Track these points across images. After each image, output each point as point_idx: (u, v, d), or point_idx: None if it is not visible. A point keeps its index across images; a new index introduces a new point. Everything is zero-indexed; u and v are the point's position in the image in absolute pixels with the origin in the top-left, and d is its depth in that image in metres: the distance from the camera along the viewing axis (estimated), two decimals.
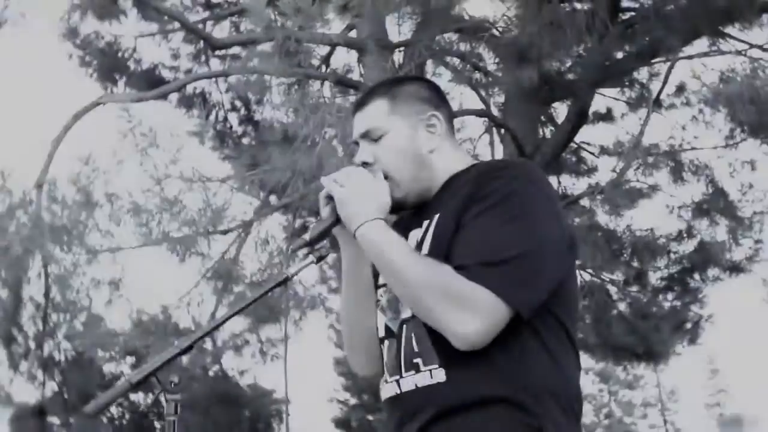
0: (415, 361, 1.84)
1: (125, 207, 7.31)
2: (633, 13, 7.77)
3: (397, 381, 1.88)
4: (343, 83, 9.10)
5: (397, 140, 1.99)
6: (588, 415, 36.76)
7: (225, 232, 7.29)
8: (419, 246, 1.89)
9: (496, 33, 8.38)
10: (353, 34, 10.00)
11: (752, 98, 6.07)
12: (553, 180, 10.95)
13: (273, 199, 8.03)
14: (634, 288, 11.20)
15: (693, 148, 8.02)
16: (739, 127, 7.74)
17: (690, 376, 45.86)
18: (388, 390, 1.92)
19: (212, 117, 11.29)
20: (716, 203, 8.08)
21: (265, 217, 6.76)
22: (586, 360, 11.87)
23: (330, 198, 1.93)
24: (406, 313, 1.88)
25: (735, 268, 8.50)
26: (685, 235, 8.76)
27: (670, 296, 10.39)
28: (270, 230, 7.98)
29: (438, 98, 2.08)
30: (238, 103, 11.66)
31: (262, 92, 11.51)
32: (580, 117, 9.68)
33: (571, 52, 7.07)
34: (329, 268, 11.24)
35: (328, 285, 11.87)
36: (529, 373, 1.76)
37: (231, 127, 11.58)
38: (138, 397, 13.74)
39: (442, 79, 10.64)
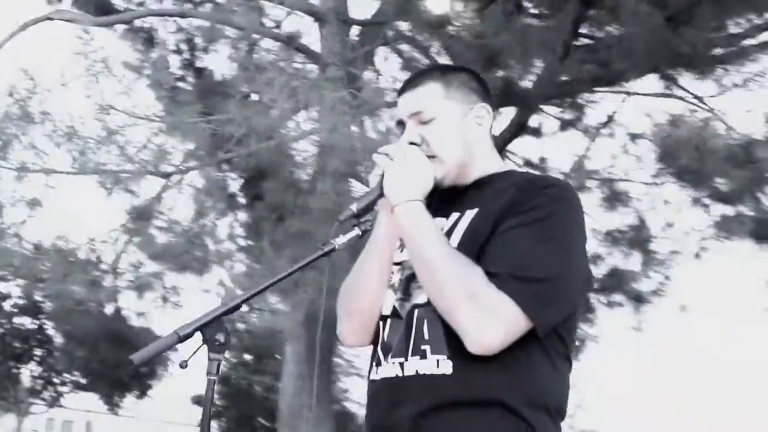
0: (423, 347, 1.83)
1: (62, 131, 7.03)
2: (591, 41, 7.94)
3: (401, 364, 1.86)
4: (300, 50, 8.99)
5: (447, 125, 1.98)
6: None
7: (162, 175, 7.10)
8: (446, 236, 1.90)
9: (454, 31, 8.45)
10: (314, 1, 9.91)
11: (697, 146, 6.30)
12: None
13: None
14: None
15: (627, 180, 8.27)
16: (669, 168, 8.04)
17: None
18: (385, 370, 1.90)
19: (154, 55, 10.98)
20: (637, 235, 8.38)
21: (204, 168, 6.60)
22: None
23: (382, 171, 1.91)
24: (419, 299, 1.88)
25: (639, 298, 8.82)
26: (602, 258, 9.04)
27: None
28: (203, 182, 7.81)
29: (486, 92, 2.08)
30: (183, 47, 11.36)
31: (211, 41, 11.30)
32: (519, 127, 9.88)
33: (533, 64, 7.17)
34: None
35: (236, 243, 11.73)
36: (532, 383, 1.79)
37: (171, 69, 11.28)
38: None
39: (391, 64, 10.73)
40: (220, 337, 1.62)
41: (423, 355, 1.82)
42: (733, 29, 7.61)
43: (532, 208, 1.80)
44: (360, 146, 5.97)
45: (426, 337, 1.83)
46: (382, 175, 1.90)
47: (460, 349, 1.76)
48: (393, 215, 1.90)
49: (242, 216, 7.89)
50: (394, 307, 1.95)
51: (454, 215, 1.93)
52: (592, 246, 9.21)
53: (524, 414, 1.76)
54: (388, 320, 1.94)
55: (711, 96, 7.94)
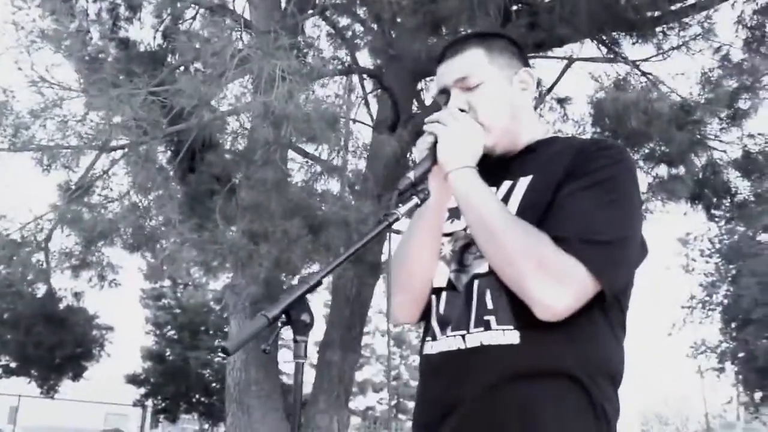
0: (486, 318, 1.78)
1: None
2: (531, 5, 7.92)
3: (463, 336, 1.80)
4: (229, 16, 8.73)
5: (494, 90, 1.94)
6: (378, 375, 38.01)
7: (100, 150, 6.80)
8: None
9: None
10: None
11: (645, 109, 6.37)
12: None
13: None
14: None
15: None
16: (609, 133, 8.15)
17: None
18: (443, 344, 1.84)
19: (74, 25, 10.52)
20: None
21: (147, 142, 6.34)
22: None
23: (433, 138, 1.86)
24: (479, 268, 1.82)
25: None
26: None
27: None
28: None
29: (525, 57, 2.05)
30: (105, 16, 10.93)
31: (134, 10, 10.90)
32: None
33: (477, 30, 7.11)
34: None
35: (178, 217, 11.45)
36: (596, 352, 1.77)
37: (92, 38, 10.83)
38: None
39: (321, 31, 10.55)
40: (306, 318, 1.51)
41: (487, 326, 1.77)
42: None
43: (594, 170, 1.77)
44: (314, 115, 5.82)
45: (490, 307, 1.78)
46: (434, 143, 1.84)
47: (527, 319, 1.71)
48: (446, 182, 1.83)
49: (184, 190, 7.64)
50: (448, 279, 1.88)
51: (507, 183, 1.89)
52: None
53: (589, 384, 1.74)
54: (443, 293, 1.88)
55: (645, 60, 8.12)
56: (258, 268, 6.06)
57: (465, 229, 1.91)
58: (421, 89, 10.65)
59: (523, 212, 1.79)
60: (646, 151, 8.17)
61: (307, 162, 7.61)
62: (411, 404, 38.45)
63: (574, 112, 8.53)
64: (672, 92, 7.56)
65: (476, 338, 1.78)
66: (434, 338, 1.87)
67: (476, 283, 1.82)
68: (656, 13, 7.29)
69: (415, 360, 39.87)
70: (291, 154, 8.20)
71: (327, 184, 7.62)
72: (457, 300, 1.85)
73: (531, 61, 8.75)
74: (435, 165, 1.83)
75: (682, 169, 8.00)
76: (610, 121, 7.29)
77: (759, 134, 8.51)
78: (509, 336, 1.75)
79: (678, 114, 6.98)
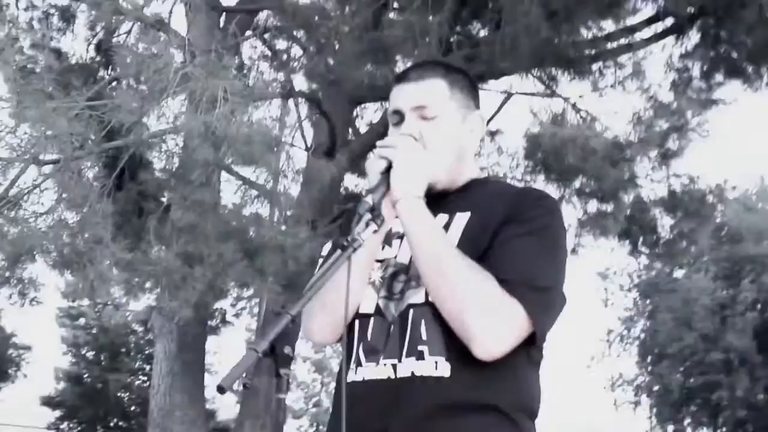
0: (420, 348, 1.78)
1: None
2: (471, 38, 8.04)
3: (394, 365, 1.80)
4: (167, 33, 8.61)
5: (449, 126, 1.95)
6: (298, 402, 37.62)
7: (34, 163, 6.59)
8: None
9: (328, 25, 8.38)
10: None
11: (583, 146, 6.51)
12: (353, 179, 11.11)
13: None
14: None
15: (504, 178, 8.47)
16: (540, 166, 8.32)
17: None
18: (370, 372, 1.82)
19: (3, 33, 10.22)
20: None
21: (85, 156, 6.17)
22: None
23: (387, 163, 1.83)
24: (414, 298, 1.83)
25: None
26: None
27: None
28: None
29: (478, 98, 2.07)
30: (37, 26, 10.66)
31: (67, 21, 10.65)
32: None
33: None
34: None
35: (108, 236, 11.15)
36: (520, 388, 1.83)
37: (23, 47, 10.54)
38: None
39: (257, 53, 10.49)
40: (288, 351, 1.50)
41: (420, 356, 1.77)
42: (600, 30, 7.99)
43: (532, 218, 1.84)
44: (255, 137, 5.76)
45: (423, 337, 1.78)
46: (388, 168, 1.81)
47: (459, 352, 1.74)
48: (396, 209, 1.82)
49: (116, 208, 7.44)
50: (377, 305, 1.87)
51: (442, 217, 1.90)
52: None
53: (515, 418, 1.80)
54: (371, 319, 1.86)
55: (581, 96, 8.32)
56: (191, 291, 5.93)
57: (395, 257, 1.91)
58: (357, 116, 10.67)
59: (461, 247, 1.81)
60: (577, 186, 8.36)
61: (242, 185, 7.51)
62: None
63: (509, 146, 8.66)
64: (606, 129, 7.76)
65: (408, 368, 1.78)
66: (359, 365, 1.85)
67: (411, 312, 1.82)
68: (593, 52, 7.48)
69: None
70: (224, 176, 8.11)
71: (262, 208, 7.53)
72: (385, 328, 1.84)
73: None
74: (388, 190, 1.81)
75: (611, 206, 8.18)
76: (546, 156, 7.42)
77: (684, 174, 8.79)
78: (441, 368, 1.77)
79: (612, 151, 7.14)
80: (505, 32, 7.05)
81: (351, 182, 11.21)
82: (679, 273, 23.03)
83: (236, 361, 1.44)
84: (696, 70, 9.12)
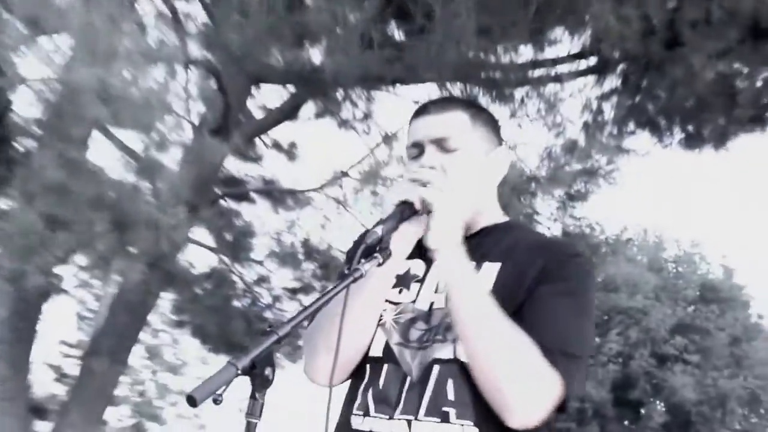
0: (444, 409, 1.77)
1: None
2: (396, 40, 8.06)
3: (409, 422, 1.78)
4: None
5: (471, 160, 1.95)
6: (122, 389, 36.46)
7: None
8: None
9: None
10: None
11: None
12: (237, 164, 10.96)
13: None
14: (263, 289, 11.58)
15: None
16: None
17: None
18: (381, 425, 1.81)
19: None
20: None
21: None
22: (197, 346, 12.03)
23: (406, 204, 1.85)
24: (440, 353, 1.80)
25: None
26: None
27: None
28: None
29: (500, 135, 2.08)
30: None
31: None
32: (293, 110, 9.83)
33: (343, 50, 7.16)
34: None
35: None
36: None
37: None
38: None
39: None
40: (269, 373, 1.47)
41: (445, 418, 1.75)
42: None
43: (568, 277, 1.85)
44: (152, 102, 5.57)
45: (450, 398, 1.77)
46: (405, 202, 1.79)
47: (488, 417, 1.73)
48: (435, 256, 1.83)
49: None
50: (390, 350, 1.86)
51: None
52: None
53: None
54: (385, 366, 1.86)
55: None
56: (50, 258, 5.66)
57: (413, 302, 1.90)
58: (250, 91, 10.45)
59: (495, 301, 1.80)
60: None
61: (123, 153, 7.25)
62: (151, 425, 37.12)
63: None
64: (520, 162, 7.94)
65: (427, 428, 1.76)
66: (366, 413, 1.84)
67: (436, 369, 1.79)
68: (519, 77, 7.63)
69: (163, 377, 38.49)
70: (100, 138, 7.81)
71: (140, 181, 7.27)
72: (398, 377, 1.82)
73: (381, 94, 8.95)
74: (401, 224, 1.81)
75: None
76: None
77: (582, 218, 9.09)
78: None
79: (523, 185, 7.30)
80: (432, 40, 7.10)
81: (233, 166, 11.08)
82: None
83: (212, 374, 1.40)
84: (610, 114, 9.47)
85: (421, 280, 1.93)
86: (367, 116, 10.29)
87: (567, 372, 1.75)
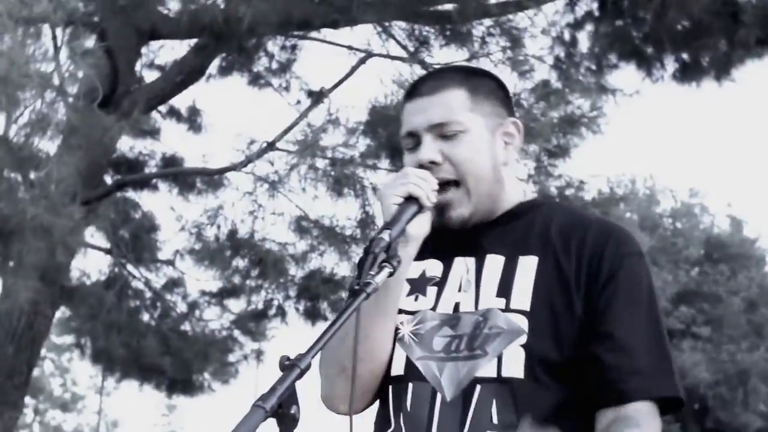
0: None
1: None
2: None
3: None
4: None
5: (477, 142, 2.03)
6: None
7: None
8: (478, 281, 2.00)
9: None
10: None
11: None
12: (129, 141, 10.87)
13: None
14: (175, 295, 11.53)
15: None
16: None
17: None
18: None
19: None
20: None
21: None
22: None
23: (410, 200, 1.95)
24: (482, 370, 1.92)
25: None
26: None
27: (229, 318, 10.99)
28: None
29: (511, 104, 2.17)
30: None
31: None
32: (195, 72, 9.78)
33: None
34: None
35: None
36: None
37: None
38: None
39: None
40: (295, 412, 1.58)
41: None
42: None
43: (636, 283, 1.99)
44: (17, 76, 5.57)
45: (494, 421, 1.90)
46: (408, 197, 1.94)
47: None
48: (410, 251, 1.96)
49: None
50: (411, 366, 1.98)
51: (496, 259, 2.02)
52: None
53: None
54: (410, 385, 1.97)
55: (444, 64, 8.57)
56: None
57: (434, 308, 2.01)
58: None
59: (536, 306, 1.94)
60: None
61: None
62: None
63: (348, 118, 8.79)
64: None
65: None
66: None
67: (478, 389, 1.91)
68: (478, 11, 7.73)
69: (55, 417, 37.86)
70: None
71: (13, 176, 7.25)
72: (427, 395, 1.94)
73: (311, 44, 8.99)
74: (408, 225, 1.92)
75: None
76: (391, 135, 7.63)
77: (566, 177, 9.23)
78: None
79: None
80: None
81: (126, 145, 10.96)
82: None
83: (239, 421, 1.50)
84: (586, 46, 9.62)
85: (440, 282, 2.03)
86: (284, 68, 10.34)
87: (659, 396, 1.94)
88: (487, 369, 1.92)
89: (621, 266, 1.97)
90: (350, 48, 8.81)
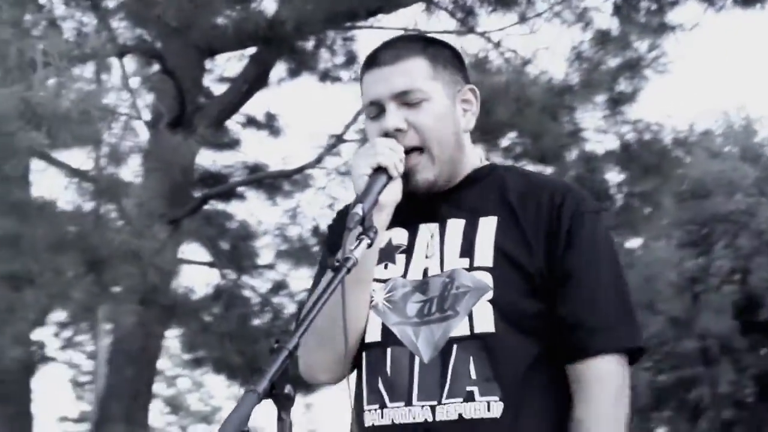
0: (469, 388, 1.99)
1: None
2: None
3: (432, 407, 2.00)
4: None
5: (440, 109, 2.13)
6: None
7: None
8: (442, 245, 2.11)
9: None
10: None
11: (517, 96, 6.74)
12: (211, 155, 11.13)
13: None
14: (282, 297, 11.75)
15: None
16: None
17: None
18: (400, 414, 2.03)
19: None
20: None
21: None
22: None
23: (379, 171, 2.03)
24: (455, 330, 2.02)
25: None
26: None
27: None
28: None
29: (466, 71, 2.26)
30: None
31: None
32: (259, 79, 9.98)
33: None
34: None
35: None
36: (563, 419, 2.05)
37: None
38: None
39: None
40: (289, 391, 1.65)
41: (469, 398, 2.00)
42: None
43: (595, 242, 2.09)
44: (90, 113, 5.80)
45: (473, 376, 2.00)
46: (377, 168, 2.03)
47: (512, 390, 1.99)
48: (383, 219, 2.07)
49: None
50: (388, 331, 2.09)
51: (456, 222, 2.12)
52: None
53: None
54: (388, 350, 2.08)
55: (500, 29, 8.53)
56: (21, 322, 5.93)
57: (404, 275, 2.11)
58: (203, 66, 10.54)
59: (497, 264, 2.04)
60: (504, 145, 8.63)
61: (71, 177, 7.48)
62: None
63: None
64: (542, 73, 8.02)
65: (452, 410, 1.99)
66: (383, 406, 2.05)
67: (455, 348, 2.01)
68: None
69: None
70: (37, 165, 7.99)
71: (100, 205, 7.51)
72: (406, 360, 2.04)
73: (368, 33, 9.01)
74: (380, 196, 2.01)
75: (552, 168, 8.50)
76: None
77: (639, 121, 9.16)
78: (494, 408, 1.98)
79: (552, 101, 7.42)
80: None
81: (207, 159, 11.22)
82: (634, 242, 23.29)
83: (233, 408, 1.58)
84: None
85: (407, 249, 2.12)
86: (350, 61, 10.45)
87: (623, 349, 2.04)
88: (460, 328, 2.01)
89: (581, 224, 2.06)
90: (405, 30, 8.88)
